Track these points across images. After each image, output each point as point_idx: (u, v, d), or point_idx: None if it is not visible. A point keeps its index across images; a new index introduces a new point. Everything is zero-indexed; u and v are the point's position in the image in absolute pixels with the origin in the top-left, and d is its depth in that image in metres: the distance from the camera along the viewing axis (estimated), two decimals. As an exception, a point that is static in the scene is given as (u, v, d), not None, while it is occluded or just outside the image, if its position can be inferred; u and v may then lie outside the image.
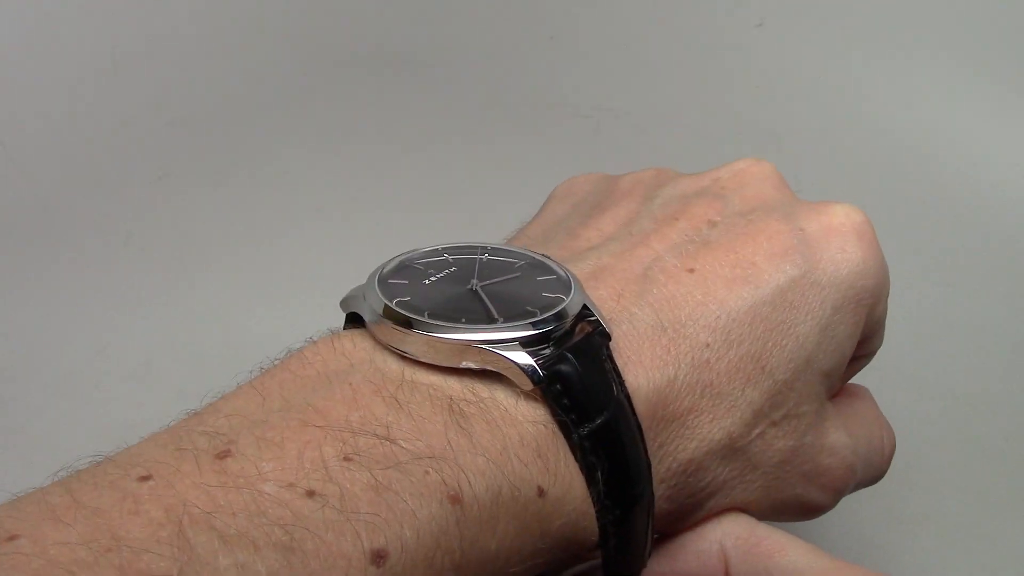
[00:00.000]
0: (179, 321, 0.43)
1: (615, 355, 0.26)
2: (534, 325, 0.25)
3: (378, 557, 0.21)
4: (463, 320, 0.25)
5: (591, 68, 0.49)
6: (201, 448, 0.22)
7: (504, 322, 0.25)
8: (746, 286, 0.28)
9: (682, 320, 0.27)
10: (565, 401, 0.24)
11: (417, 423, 0.23)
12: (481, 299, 0.26)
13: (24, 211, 0.46)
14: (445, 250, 0.29)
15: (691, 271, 0.28)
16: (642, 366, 0.26)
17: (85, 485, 0.21)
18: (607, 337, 0.26)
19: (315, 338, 0.27)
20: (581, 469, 0.25)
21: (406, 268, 0.28)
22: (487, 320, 0.25)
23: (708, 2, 0.50)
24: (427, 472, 0.22)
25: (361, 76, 0.49)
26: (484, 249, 0.29)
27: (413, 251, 0.29)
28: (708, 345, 0.27)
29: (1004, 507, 0.37)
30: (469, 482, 0.23)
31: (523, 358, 0.24)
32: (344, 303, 0.28)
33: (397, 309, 0.25)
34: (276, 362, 0.26)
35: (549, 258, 0.28)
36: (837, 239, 0.30)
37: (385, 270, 0.27)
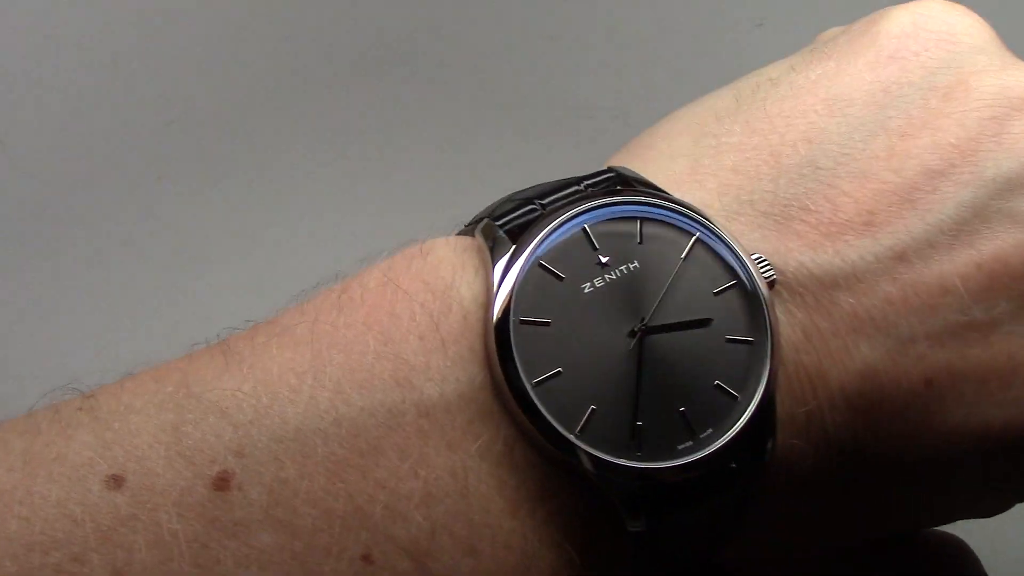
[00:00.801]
0: (179, 321, 0.43)
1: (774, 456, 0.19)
2: (677, 471, 0.18)
3: None
4: (591, 409, 0.18)
5: (591, 68, 0.49)
6: (200, 454, 0.16)
7: (643, 440, 0.18)
8: (985, 443, 0.19)
9: (861, 456, 0.19)
10: (657, 546, 0.18)
11: (473, 537, 0.17)
12: (633, 377, 0.18)
13: (24, 211, 0.46)
14: (642, 216, 0.19)
15: (928, 383, 0.19)
16: (783, 488, 0.19)
17: (45, 455, 0.16)
18: (761, 461, 0.18)
19: (428, 256, 0.19)
20: None
21: (578, 247, 0.19)
22: (623, 433, 0.18)
23: (708, 2, 0.50)
24: None
25: (361, 76, 0.49)
26: (694, 232, 0.19)
27: (619, 200, 0.19)
28: (852, 488, 0.19)
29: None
30: None
31: (632, 509, 0.18)
32: (482, 229, 0.20)
33: (515, 357, 0.17)
34: (362, 293, 0.19)
35: (758, 287, 0.19)
36: None
37: (551, 234, 0.19)
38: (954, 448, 0.19)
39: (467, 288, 0.19)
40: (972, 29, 0.22)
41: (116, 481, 0.16)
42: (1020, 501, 0.23)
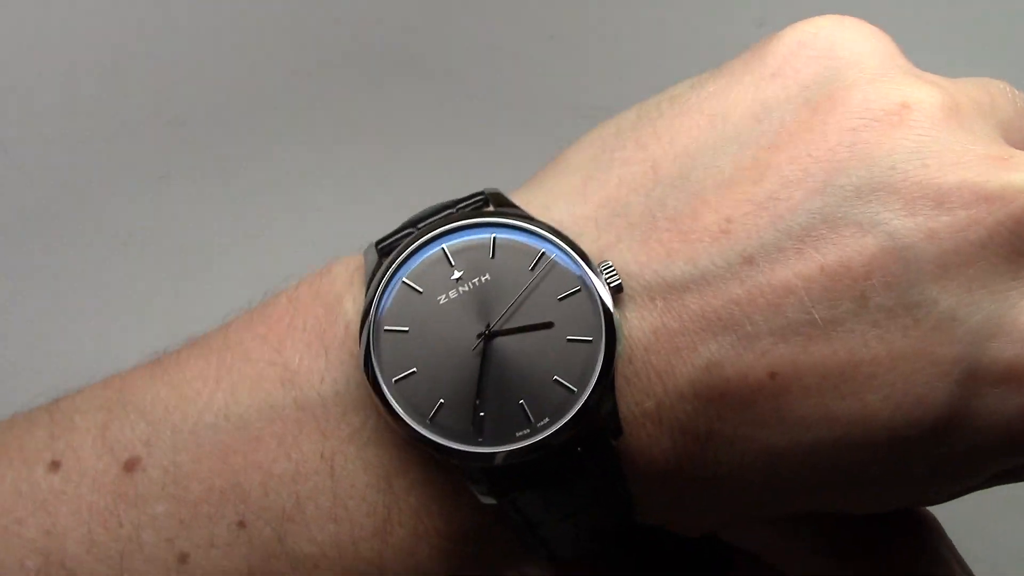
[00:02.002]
0: (179, 321, 0.43)
1: (624, 443, 0.21)
2: (512, 454, 0.21)
3: None
4: (439, 403, 0.21)
5: (591, 68, 0.49)
6: (119, 444, 0.21)
7: (483, 428, 0.21)
8: (834, 433, 0.21)
9: (720, 441, 0.21)
10: (523, 515, 0.22)
11: (336, 507, 0.21)
12: (477, 376, 0.21)
13: (24, 211, 0.46)
14: (495, 234, 0.22)
15: (772, 376, 0.21)
16: (648, 468, 0.22)
17: (11, 445, 0.22)
18: (617, 432, 0.21)
19: (326, 276, 0.23)
20: (517, 550, 0.23)
21: (436, 264, 0.22)
22: (466, 422, 0.21)
23: (708, 2, 0.50)
24: (312, 569, 0.21)
25: (361, 76, 0.49)
26: (540, 247, 0.22)
27: (476, 222, 0.23)
28: (719, 478, 0.22)
29: (1004, 507, 0.37)
30: None
31: (480, 485, 0.21)
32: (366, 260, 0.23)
33: (373, 360, 0.21)
34: (265, 311, 0.23)
35: (598, 293, 0.21)
36: (1020, 389, 0.21)
37: (415, 254, 0.22)
38: (808, 435, 0.21)
39: (352, 302, 0.23)
40: (854, 44, 0.24)
41: (55, 465, 0.21)
42: (922, 502, 0.25)
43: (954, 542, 0.36)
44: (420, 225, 0.24)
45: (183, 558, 0.20)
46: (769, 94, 0.23)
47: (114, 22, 0.48)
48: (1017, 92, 0.25)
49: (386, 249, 0.23)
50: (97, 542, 0.20)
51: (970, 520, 0.36)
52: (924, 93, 0.22)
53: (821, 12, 0.49)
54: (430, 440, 0.21)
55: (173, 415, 0.21)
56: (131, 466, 0.21)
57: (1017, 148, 0.23)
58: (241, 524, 0.20)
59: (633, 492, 0.22)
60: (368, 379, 0.21)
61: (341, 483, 0.21)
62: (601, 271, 0.22)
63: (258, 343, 0.23)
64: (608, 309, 0.21)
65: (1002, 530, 0.36)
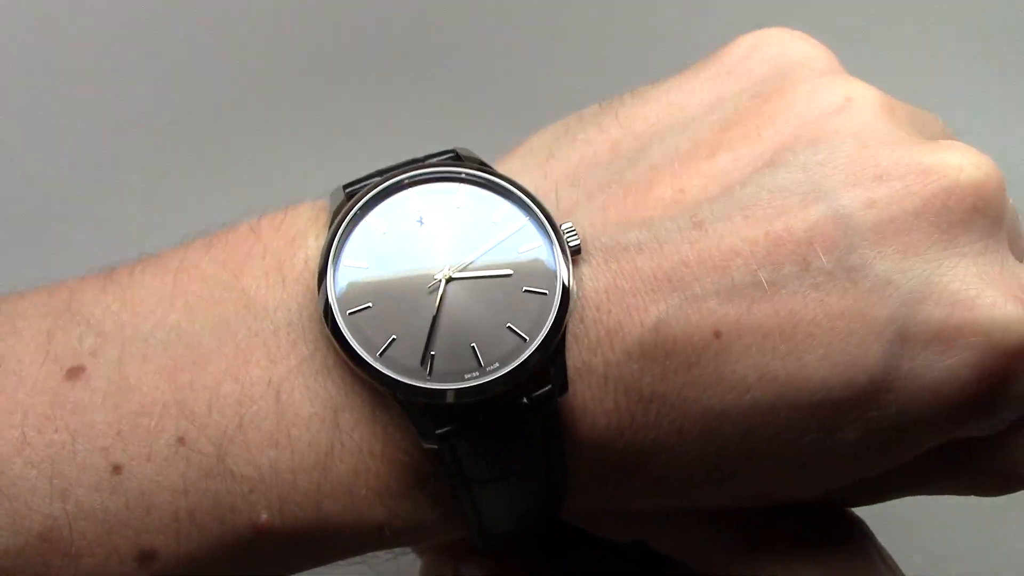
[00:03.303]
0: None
1: (569, 401, 0.22)
2: (460, 393, 0.21)
3: (146, 558, 0.20)
4: (392, 338, 0.21)
5: (591, 68, 0.49)
6: (64, 353, 0.21)
7: (433, 366, 0.21)
8: (771, 393, 0.21)
9: (662, 403, 0.22)
10: (460, 467, 0.22)
11: (279, 434, 0.21)
12: (432, 316, 0.22)
13: (24, 211, 0.46)
14: (464, 183, 0.23)
15: (717, 335, 0.22)
16: (589, 430, 0.22)
17: None
18: (563, 389, 0.22)
19: (291, 212, 0.24)
20: (452, 511, 0.23)
21: (402, 206, 0.23)
22: (416, 359, 0.21)
23: (708, 2, 0.50)
24: (249, 494, 0.20)
25: (360, 76, 0.49)
26: (507, 199, 0.23)
27: (445, 171, 0.23)
28: (674, 448, 0.23)
29: (1004, 507, 0.37)
30: (282, 515, 0.21)
31: (424, 425, 0.21)
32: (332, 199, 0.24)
33: (329, 291, 0.21)
34: (225, 240, 0.23)
35: (556, 250, 0.22)
36: (948, 351, 0.22)
37: (380, 195, 0.23)
38: (746, 397, 0.22)
39: (314, 238, 0.23)
40: (803, 51, 0.26)
41: None
42: (865, 474, 0.25)
43: (952, 542, 0.36)
44: (386, 171, 0.24)
45: (117, 469, 0.20)
46: (725, 88, 0.26)
47: (114, 22, 0.48)
48: (945, 125, 0.27)
49: (353, 192, 0.24)
50: (29, 443, 0.20)
51: (969, 520, 0.36)
52: (866, 91, 0.25)
53: (820, 14, 0.49)
54: (379, 372, 0.21)
55: (124, 330, 0.21)
56: (74, 374, 0.21)
57: None
58: (181, 440, 0.20)
59: (570, 463, 0.23)
60: (324, 309, 0.21)
61: (286, 411, 0.21)
62: (563, 232, 0.23)
63: (216, 267, 0.23)
64: (566, 265, 0.22)
65: (1002, 529, 0.36)
